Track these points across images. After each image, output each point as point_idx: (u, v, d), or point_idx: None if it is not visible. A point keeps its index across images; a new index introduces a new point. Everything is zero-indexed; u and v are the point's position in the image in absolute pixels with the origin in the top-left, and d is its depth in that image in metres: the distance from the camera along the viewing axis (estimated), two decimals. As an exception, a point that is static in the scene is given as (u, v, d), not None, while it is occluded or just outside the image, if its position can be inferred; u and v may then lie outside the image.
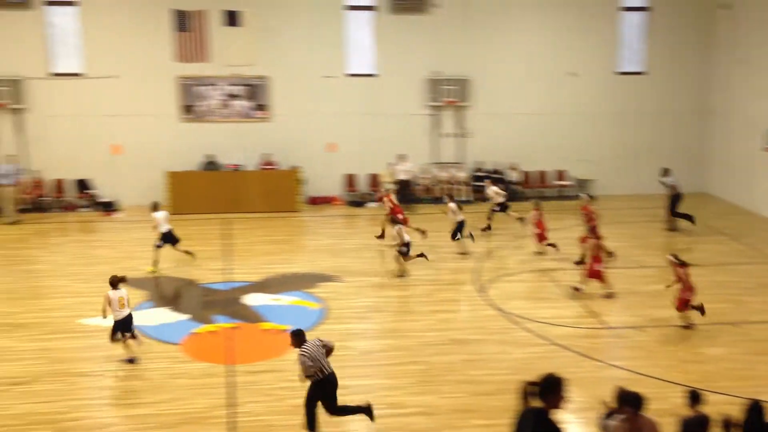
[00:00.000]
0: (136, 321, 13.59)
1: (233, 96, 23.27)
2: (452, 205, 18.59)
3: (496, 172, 24.64)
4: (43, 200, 22.59)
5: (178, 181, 22.26)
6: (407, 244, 16.90)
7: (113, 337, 12.90)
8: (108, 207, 22.50)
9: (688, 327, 13.88)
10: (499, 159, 24.67)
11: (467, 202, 23.75)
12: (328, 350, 10.49)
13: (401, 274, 17.05)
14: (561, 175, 25.30)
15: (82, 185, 22.90)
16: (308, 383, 10.35)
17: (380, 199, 20.02)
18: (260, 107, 23.47)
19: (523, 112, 24.62)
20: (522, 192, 24.51)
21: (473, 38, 24.07)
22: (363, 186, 24.25)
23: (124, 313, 12.84)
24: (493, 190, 20.83)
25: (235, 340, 13.80)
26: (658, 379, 11.98)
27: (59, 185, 22.88)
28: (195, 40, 22.70)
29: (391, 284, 16.76)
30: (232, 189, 22.27)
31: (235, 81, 23.18)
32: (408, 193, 22.92)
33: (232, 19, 22.76)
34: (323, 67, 23.45)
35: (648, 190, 23.49)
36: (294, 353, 10.49)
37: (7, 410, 11.25)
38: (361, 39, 23.82)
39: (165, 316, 14.89)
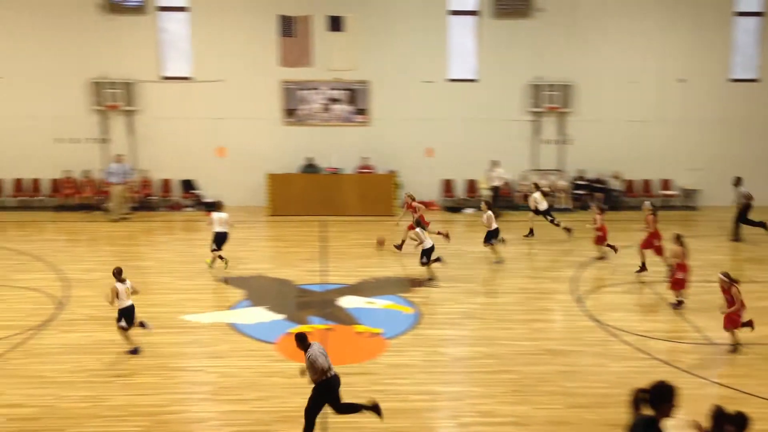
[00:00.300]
0: (235, 319, 13.90)
1: (334, 100, 23.56)
2: (489, 212, 18.30)
3: (597, 180, 24.07)
4: (151, 199, 23.41)
5: (278, 183, 22.68)
6: (429, 249, 16.84)
7: (119, 325, 13.25)
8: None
9: (734, 349, 13.19)
10: (601, 167, 24.08)
11: (566, 210, 23.29)
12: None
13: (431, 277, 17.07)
14: (666, 184, 24.49)
15: (188, 185, 23.61)
16: (312, 386, 10.27)
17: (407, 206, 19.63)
18: (360, 111, 23.67)
19: (627, 119, 23.99)
20: (625, 201, 23.85)
21: (577, 43, 23.61)
22: (460, 192, 24.10)
23: (128, 302, 13.24)
24: (536, 196, 20.49)
25: (329, 342, 13.89)
26: (764, 398, 11.41)
27: (166, 185, 23.66)
28: (299, 45, 23.09)
29: (485, 291, 16.58)
30: (329, 192, 22.53)
31: (337, 85, 23.46)
32: (499, 200, 22.63)
33: (335, 24, 23.04)
34: (424, 72, 23.46)
35: (757, 201, 22.45)
36: (380, 358, 10.45)
37: (108, 401, 11.65)
38: (463, 44, 23.70)
39: (261, 315, 15.14)
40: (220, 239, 17.67)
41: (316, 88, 23.51)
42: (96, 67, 22.86)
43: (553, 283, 17.08)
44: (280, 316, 15.11)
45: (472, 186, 23.61)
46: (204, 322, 14.73)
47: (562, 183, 24.07)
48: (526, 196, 23.74)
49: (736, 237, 20.39)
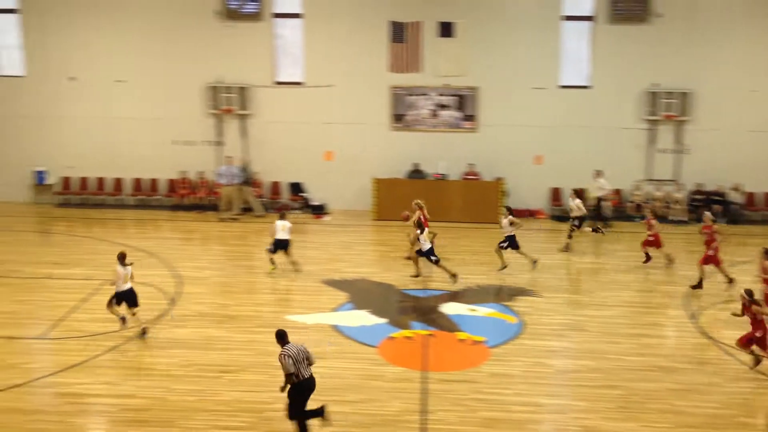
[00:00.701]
0: (338, 321, 14.05)
1: (442, 106, 23.50)
2: (511, 217, 17.96)
3: (716, 192, 23.10)
4: (261, 201, 23.94)
5: (384, 187, 22.80)
6: (428, 252, 17.00)
7: (110, 306, 13.91)
8: (318, 210, 23.46)
9: (756, 364, 12.47)
10: (719, 178, 23.08)
11: (681, 222, 22.44)
12: (310, 361, 10.59)
13: (417, 274, 17.34)
14: (790, 198, 23.29)
15: (296, 188, 24.03)
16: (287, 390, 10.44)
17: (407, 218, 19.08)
18: (468, 117, 23.52)
19: (748, 129, 22.91)
20: (745, 214, 22.80)
21: (696, 49, 22.73)
22: (569, 200, 23.56)
23: (126, 287, 13.85)
24: (576, 203, 19.95)
25: (431, 348, 13.85)
26: None
27: (275, 187, 24.16)
28: (409, 51, 23.17)
29: (591, 303, 16.16)
30: (435, 198, 22.39)
31: (445, 91, 23.39)
32: (601, 210, 21.99)
33: (446, 30, 23.00)
34: (534, 78, 23.10)
35: None
36: (482, 367, 10.30)
37: (216, 396, 11.97)
38: (576, 49, 23.21)
39: (364, 318, 15.23)
40: (281, 246, 17.78)
41: (424, 94, 23.52)
42: (212, 72, 23.60)
43: (663, 298, 16.48)
44: (382, 320, 15.16)
45: (580, 195, 23.00)
46: (308, 323, 14.93)
47: (678, 194, 23.19)
48: (639, 207, 23.05)
49: None
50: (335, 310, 15.68)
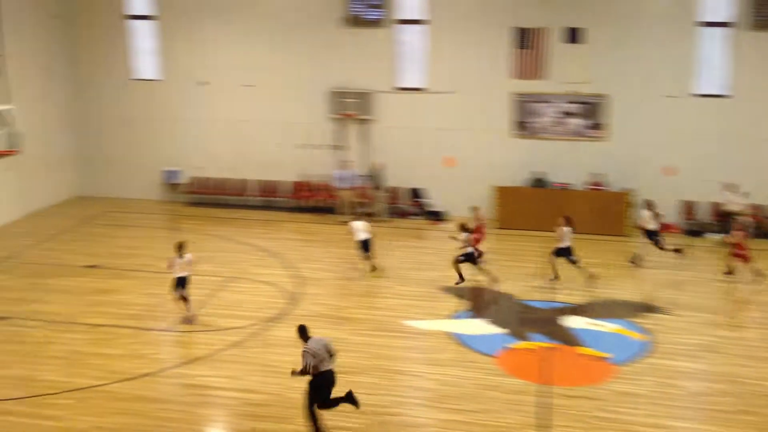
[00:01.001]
0: (456, 329, 14.00)
1: (568, 114, 22.95)
2: (565, 228, 17.48)
3: None
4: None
5: (504, 196, 22.46)
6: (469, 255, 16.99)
7: (175, 291, 14.87)
8: (436, 216, 23.35)
9: None
10: None
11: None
12: (331, 354, 10.79)
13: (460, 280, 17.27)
14: None
15: (415, 194, 24.00)
16: (305, 381, 10.71)
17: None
18: (595, 126, 22.87)
19: None
20: None
21: None
22: (703, 214, 22.53)
23: (182, 274, 14.77)
24: (647, 214, 18.97)
25: (551, 361, 13.50)
26: None
27: (394, 192, 24.21)
28: (533, 57, 22.77)
29: (727, 323, 15.35)
30: (557, 207, 21.90)
31: (571, 99, 22.84)
32: (727, 225, 20.86)
33: (573, 35, 22.45)
34: (667, 86, 22.19)
35: None
36: (606, 384, 9.92)
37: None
38: (714, 57, 22.17)
39: (482, 327, 15.02)
40: (366, 245, 17.93)
41: (548, 101, 23.04)
42: (336, 78, 23.90)
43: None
44: (501, 330, 14.91)
45: (716, 209, 21.97)
46: (425, 329, 14.86)
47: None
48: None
49: None
50: (452, 317, 15.54)
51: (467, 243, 17.27)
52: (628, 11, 22.21)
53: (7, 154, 17.26)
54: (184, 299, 14.94)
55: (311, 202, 24.20)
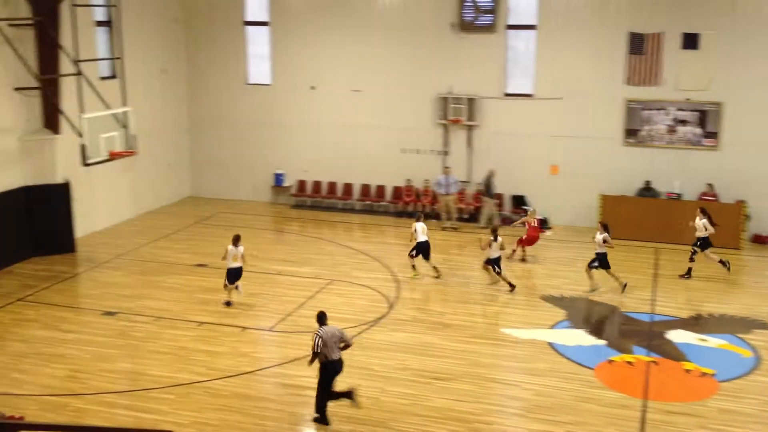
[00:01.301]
0: (554, 339, 13.85)
1: (681, 121, 22.22)
2: (606, 235, 17.24)
3: None
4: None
5: (612, 204, 21.93)
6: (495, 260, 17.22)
7: (226, 282, 15.96)
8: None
9: None
10: None
11: None
12: (346, 344, 11.40)
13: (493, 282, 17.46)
14: None
15: (519, 201, 23.75)
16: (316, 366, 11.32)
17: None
18: (709, 135, 22.04)
19: None
20: None
21: None
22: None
23: (235, 265, 15.87)
24: (702, 223, 18.29)
25: (653, 375, 13.14)
26: None
27: (498, 199, 23.99)
28: (648, 63, 22.15)
29: None
30: (667, 218, 21.26)
31: (685, 106, 22.10)
32: None
33: (690, 41, 21.70)
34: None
35: None
36: (709, 401, 9.59)
37: (427, 402, 12.11)
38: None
39: (581, 338, 14.75)
40: (423, 249, 17.97)
41: (662, 108, 22.35)
42: (444, 83, 23.93)
43: None
44: (601, 342, 14.62)
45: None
46: (523, 338, 14.72)
47: None
48: None
49: None
50: (552, 327, 15.32)
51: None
52: (750, 16, 21.29)
53: (124, 156, 18.13)
54: (235, 288, 16.14)
55: (414, 207, 24.30)
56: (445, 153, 24.20)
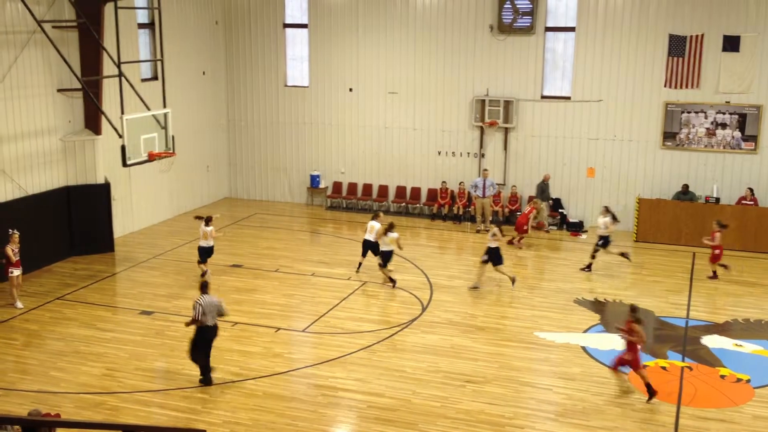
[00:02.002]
0: (588, 343, 13.87)
1: (720, 125, 21.92)
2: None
3: None
4: (518, 214, 23.83)
5: (649, 208, 21.73)
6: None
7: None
8: (575, 228, 22.90)
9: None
10: None
11: None
12: (221, 314, 12.63)
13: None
14: None
15: (554, 204, 23.62)
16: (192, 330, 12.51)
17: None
18: (749, 138, 21.72)
19: None
20: None
21: None
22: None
23: (204, 243, 17.63)
24: (604, 221, 18.89)
25: (687, 381, 13.01)
26: None
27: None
28: (688, 66, 21.89)
29: None
30: (704, 222, 20.98)
31: (725, 109, 21.80)
32: None
33: (731, 44, 21.40)
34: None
35: None
36: (744, 407, 9.48)
37: (459, 404, 12.13)
38: None
39: (615, 342, 14.61)
40: (366, 247, 18.49)
41: (701, 111, 22.08)
42: (481, 85, 23.90)
43: None
44: (635, 347, 14.48)
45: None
46: (556, 342, 14.66)
47: None
48: None
49: None
50: (586, 331, 15.24)
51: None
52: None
53: (163, 157, 18.40)
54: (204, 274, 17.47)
55: (448, 209, 24.31)
56: (481, 156, 24.16)
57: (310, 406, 12.06)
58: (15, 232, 15.98)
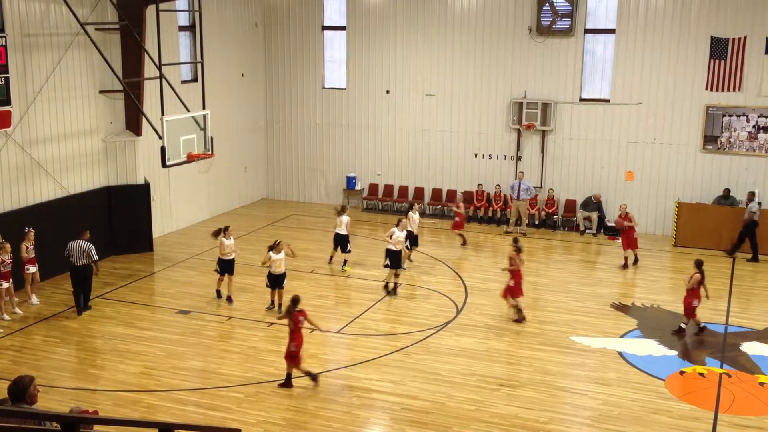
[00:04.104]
0: (624, 348, 13.92)
1: (763, 128, 21.55)
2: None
3: None
4: (554, 218, 23.71)
5: (688, 212, 21.45)
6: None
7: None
8: (613, 231, 22.67)
9: None
10: None
11: None
12: (90, 258, 15.85)
13: None
14: None
15: (600, 216, 23.35)
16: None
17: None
18: (790, 142, 21.35)
19: None
20: None
21: None
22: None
23: (230, 257, 16.90)
24: (415, 219, 19.28)
25: (726, 388, 12.83)
26: None
27: (569, 205, 23.76)
28: (730, 68, 21.56)
29: None
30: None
31: (766, 112, 21.44)
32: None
33: (775, 45, 21.10)
34: None
35: None
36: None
37: (493, 408, 12.09)
38: None
39: (652, 348, 14.49)
40: (340, 241, 19.16)
41: (744, 115, 21.73)
42: (518, 88, 23.80)
43: None
44: (671, 352, 14.33)
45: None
46: (592, 347, 14.55)
47: None
48: None
49: (734, 253, 20.39)
50: (622, 336, 15.09)
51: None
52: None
53: (202, 158, 18.59)
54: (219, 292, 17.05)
55: (484, 212, 24.23)
56: (519, 158, 24.05)
57: (343, 407, 12.11)
58: (30, 230, 16.22)
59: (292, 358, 12.62)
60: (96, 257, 15.99)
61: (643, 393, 12.64)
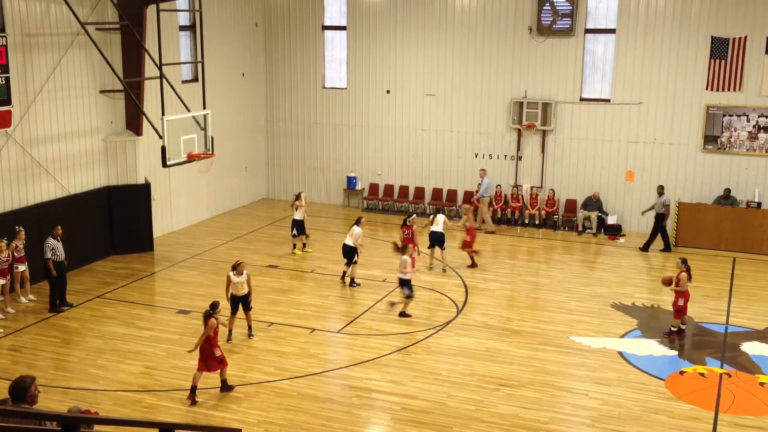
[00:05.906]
0: (625, 348, 13.76)
1: (763, 128, 21.55)
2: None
3: None
4: (554, 218, 23.70)
5: (688, 212, 21.45)
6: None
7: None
8: (613, 231, 22.67)
9: None
10: None
11: None
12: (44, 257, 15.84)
13: None
14: None
15: (601, 216, 23.34)
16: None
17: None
18: (791, 141, 21.35)
19: None
20: None
21: None
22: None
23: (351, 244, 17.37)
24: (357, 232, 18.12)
25: (726, 388, 12.83)
26: None
27: (570, 205, 23.75)
28: (731, 68, 21.56)
29: None
30: (744, 227, 20.70)
31: (765, 112, 21.44)
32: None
33: (775, 45, 21.10)
34: None
35: None
36: None
37: (493, 408, 12.09)
38: None
39: (652, 348, 14.49)
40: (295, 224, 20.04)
41: (744, 115, 21.73)
42: (519, 88, 23.80)
43: None
44: (671, 352, 14.33)
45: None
46: (593, 347, 14.55)
47: None
48: None
49: (647, 248, 20.99)
50: (622, 336, 15.09)
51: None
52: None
53: (202, 157, 18.59)
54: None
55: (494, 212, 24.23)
56: (519, 158, 24.05)
57: (344, 407, 12.11)
58: (21, 229, 16.21)
59: (220, 362, 12.41)
60: (47, 255, 15.84)
61: (643, 393, 12.64)
